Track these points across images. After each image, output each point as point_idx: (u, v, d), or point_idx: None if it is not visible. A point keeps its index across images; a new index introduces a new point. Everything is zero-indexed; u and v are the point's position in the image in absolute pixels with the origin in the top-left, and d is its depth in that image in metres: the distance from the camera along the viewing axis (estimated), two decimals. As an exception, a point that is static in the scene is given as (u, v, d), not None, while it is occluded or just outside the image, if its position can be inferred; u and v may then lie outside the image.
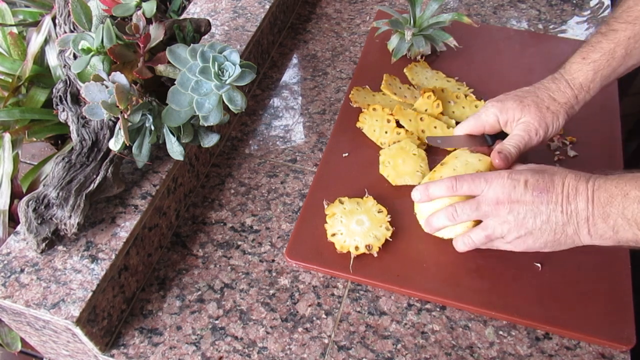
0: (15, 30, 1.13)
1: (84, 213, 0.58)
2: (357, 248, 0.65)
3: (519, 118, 0.66)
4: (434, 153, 0.75)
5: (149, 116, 0.60)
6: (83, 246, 0.59)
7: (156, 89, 0.65)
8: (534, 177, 0.56)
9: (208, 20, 0.71)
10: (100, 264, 0.58)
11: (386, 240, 0.66)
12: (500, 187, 0.57)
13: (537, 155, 0.77)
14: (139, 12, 0.62)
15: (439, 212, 0.62)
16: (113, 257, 0.59)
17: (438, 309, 0.64)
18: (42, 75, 1.10)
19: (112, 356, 0.61)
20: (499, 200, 0.57)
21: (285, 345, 0.61)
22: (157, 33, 0.62)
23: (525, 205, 0.56)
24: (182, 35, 0.68)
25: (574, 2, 1.05)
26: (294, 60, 0.95)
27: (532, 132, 0.66)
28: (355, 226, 0.67)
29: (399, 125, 0.78)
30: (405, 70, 0.87)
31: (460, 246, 0.63)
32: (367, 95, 0.84)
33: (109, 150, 0.62)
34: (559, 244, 0.57)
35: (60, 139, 1.21)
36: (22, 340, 0.93)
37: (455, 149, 0.71)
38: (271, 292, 0.66)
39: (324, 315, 0.63)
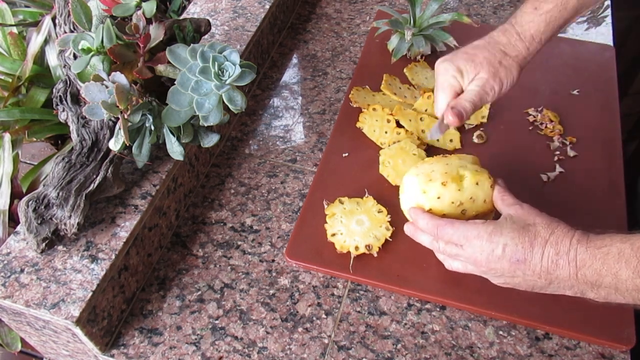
0: (15, 30, 1.13)
1: (84, 213, 0.58)
2: (357, 248, 0.65)
3: (475, 75, 0.65)
4: (433, 153, 0.75)
5: (149, 116, 0.60)
6: (83, 246, 0.59)
7: (156, 89, 0.65)
8: (513, 242, 0.53)
9: (208, 20, 0.71)
10: (100, 264, 0.58)
11: (386, 240, 0.66)
12: (479, 249, 0.54)
13: (537, 154, 0.77)
14: (139, 12, 0.62)
15: (426, 236, 0.60)
16: (113, 257, 0.59)
17: (438, 309, 0.64)
18: (42, 75, 1.10)
19: (112, 356, 0.61)
20: (477, 262, 0.55)
21: (285, 345, 0.61)
22: (157, 33, 0.62)
23: (503, 270, 0.54)
24: (182, 35, 0.68)
25: (574, 2, 1.05)
26: (294, 60, 0.95)
27: (487, 87, 0.64)
28: (355, 226, 0.67)
29: (399, 125, 0.78)
30: (405, 70, 0.87)
31: (440, 258, 0.61)
32: (367, 95, 0.84)
33: (109, 150, 0.62)
34: (540, 292, 0.56)
35: (60, 139, 1.21)
36: (22, 340, 0.93)
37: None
38: (271, 292, 0.66)
39: (324, 315, 0.63)
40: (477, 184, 0.58)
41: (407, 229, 0.62)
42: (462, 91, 0.66)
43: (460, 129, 0.79)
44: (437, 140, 0.77)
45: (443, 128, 0.67)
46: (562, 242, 0.52)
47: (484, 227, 0.55)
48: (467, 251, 0.55)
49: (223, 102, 0.60)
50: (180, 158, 0.63)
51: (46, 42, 1.10)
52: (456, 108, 0.63)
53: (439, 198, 0.58)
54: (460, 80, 0.65)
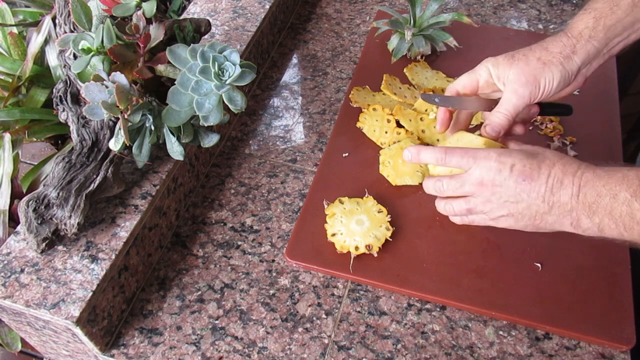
0: (15, 30, 1.13)
1: (84, 213, 0.58)
2: (357, 248, 0.65)
3: (508, 73, 0.62)
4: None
5: (149, 116, 0.60)
6: (83, 246, 0.59)
7: (156, 89, 0.65)
8: (522, 162, 0.55)
9: (208, 20, 0.71)
10: (100, 264, 0.58)
11: (386, 240, 0.66)
12: (487, 169, 0.56)
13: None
14: (139, 12, 0.62)
15: (429, 182, 0.62)
16: (113, 257, 0.59)
17: (438, 309, 0.64)
18: (42, 75, 1.10)
19: (112, 356, 0.61)
20: (483, 182, 0.56)
21: (285, 345, 0.61)
22: (157, 33, 0.62)
23: (508, 190, 0.55)
24: (182, 35, 0.68)
25: (574, 2, 1.05)
26: (294, 60, 0.95)
27: (519, 91, 0.61)
28: (355, 226, 0.67)
29: (399, 125, 0.78)
30: (405, 70, 0.87)
31: (441, 208, 0.63)
32: (367, 95, 0.84)
33: (109, 150, 0.62)
34: (538, 228, 0.57)
35: (60, 139, 1.21)
36: (22, 340, 0.93)
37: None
38: (271, 292, 0.66)
39: (324, 315, 0.63)
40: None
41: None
42: (487, 86, 0.65)
43: (460, 129, 0.79)
44: (437, 140, 0.77)
45: (446, 103, 0.66)
46: (570, 165, 0.54)
47: (493, 150, 0.57)
48: (473, 174, 0.57)
49: (223, 102, 0.60)
50: (180, 158, 0.63)
51: (46, 42, 1.10)
52: (490, 125, 0.63)
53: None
54: (492, 73, 0.63)
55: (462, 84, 0.67)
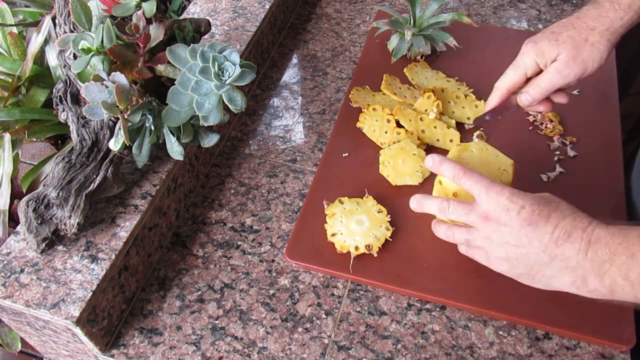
0: (15, 30, 1.13)
1: (84, 213, 0.58)
2: (357, 248, 0.65)
3: (555, 57, 0.61)
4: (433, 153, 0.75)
5: (149, 116, 0.60)
6: (83, 246, 0.59)
7: (156, 89, 0.65)
8: (532, 207, 0.51)
9: (208, 20, 0.71)
10: (100, 264, 0.58)
11: (386, 240, 0.66)
12: (495, 204, 0.53)
13: (537, 154, 0.77)
14: (139, 12, 0.62)
15: (434, 201, 0.59)
16: (113, 257, 0.59)
17: (438, 309, 0.64)
18: (42, 75, 1.10)
19: (112, 356, 0.61)
20: (489, 217, 0.54)
21: (285, 345, 0.61)
22: (157, 33, 0.62)
23: (511, 233, 0.52)
24: (182, 35, 0.68)
25: (574, 2, 1.05)
26: (294, 60, 0.95)
27: (564, 72, 0.60)
28: (355, 226, 0.67)
29: (399, 125, 0.78)
30: (405, 70, 0.87)
31: (440, 233, 0.61)
32: (367, 95, 0.84)
33: (109, 150, 0.62)
34: (533, 281, 0.54)
35: (60, 139, 1.21)
36: (22, 340, 0.93)
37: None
38: (271, 292, 0.66)
39: (324, 315, 0.63)
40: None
41: (413, 199, 0.61)
42: (536, 74, 0.63)
43: (461, 128, 0.79)
44: (437, 140, 0.77)
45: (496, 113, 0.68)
46: (582, 220, 0.50)
47: (509, 188, 0.54)
48: (482, 207, 0.54)
49: (223, 102, 0.60)
50: (180, 158, 0.63)
51: (46, 42, 1.11)
52: (525, 97, 0.62)
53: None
54: (539, 63, 0.62)
55: (510, 81, 0.65)
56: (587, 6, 0.60)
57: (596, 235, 0.48)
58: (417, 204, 0.61)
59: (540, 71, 0.63)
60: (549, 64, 0.62)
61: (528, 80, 0.65)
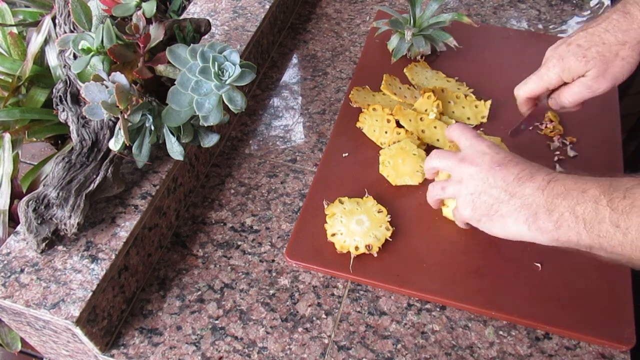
0: (15, 30, 1.13)
1: (84, 213, 0.58)
2: (357, 248, 0.65)
3: (584, 73, 0.61)
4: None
5: (149, 116, 0.60)
6: (83, 246, 0.59)
7: (156, 89, 0.65)
8: (506, 155, 0.55)
9: (208, 20, 0.71)
10: (100, 264, 0.58)
11: (386, 240, 0.66)
12: (473, 149, 0.58)
13: (537, 154, 0.77)
14: (139, 12, 0.62)
15: (432, 153, 0.64)
16: (113, 257, 0.59)
17: (438, 309, 0.64)
18: (42, 75, 1.10)
19: (112, 356, 0.61)
20: (464, 159, 0.58)
21: (285, 345, 0.61)
22: (157, 33, 0.62)
23: (480, 173, 0.56)
24: (182, 35, 0.68)
25: (574, 2, 1.05)
26: (294, 60, 0.95)
27: (593, 87, 0.61)
28: (355, 226, 0.67)
29: (399, 125, 0.78)
30: (405, 70, 0.87)
31: (428, 195, 0.66)
32: (367, 95, 0.84)
33: (109, 150, 0.62)
34: (491, 223, 0.55)
35: (60, 139, 1.21)
36: (22, 340, 0.93)
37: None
38: (271, 292, 0.66)
39: (324, 315, 0.63)
40: None
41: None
42: (557, 87, 0.65)
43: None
44: (437, 140, 0.77)
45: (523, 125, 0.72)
46: (549, 169, 0.53)
47: (491, 141, 0.58)
48: (461, 152, 0.59)
49: (223, 102, 0.60)
50: (180, 158, 0.63)
51: (46, 42, 1.11)
52: (555, 102, 0.65)
53: None
54: (564, 78, 0.63)
55: (530, 91, 0.67)
56: (616, 16, 0.59)
57: (556, 177, 0.51)
58: (425, 163, 0.66)
59: (565, 82, 0.64)
60: (574, 78, 0.62)
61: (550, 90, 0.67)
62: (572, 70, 0.62)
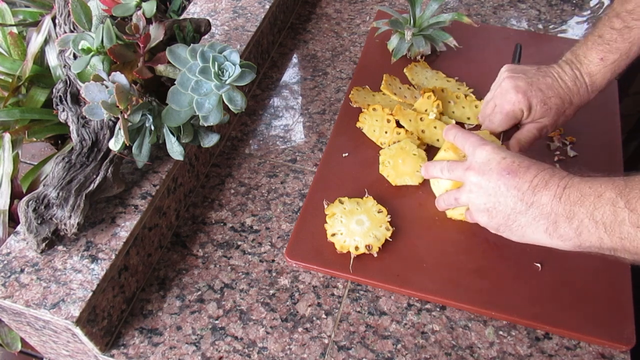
0: (15, 30, 1.13)
1: (84, 213, 0.58)
2: (357, 248, 0.65)
3: (540, 118, 0.68)
4: (433, 153, 0.75)
5: (149, 116, 0.60)
6: (83, 246, 0.59)
7: (156, 89, 0.65)
8: (512, 159, 0.55)
9: (208, 20, 0.71)
10: (100, 264, 0.58)
11: (386, 240, 0.66)
12: (479, 156, 0.57)
13: (537, 154, 0.77)
14: (139, 12, 0.62)
15: (435, 162, 0.65)
16: (113, 257, 0.59)
17: (438, 309, 0.64)
18: (42, 75, 1.10)
19: (112, 356, 0.61)
20: (471, 168, 0.58)
21: (285, 345, 0.61)
22: (157, 33, 0.62)
23: (490, 181, 0.55)
24: (182, 35, 0.68)
25: (574, 2, 1.05)
26: (294, 60, 0.95)
27: (543, 132, 0.69)
28: (355, 226, 0.67)
29: (398, 125, 0.78)
30: (405, 70, 0.87)
31: (441, 203, 0.66)
32: (367, 95, 0.84)
33: (109, 150, 0.62)
34: (511, 232, 0.56)
35: (60, 139, 1.21)
36: (22, 340, 0.93)
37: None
38: (271, 292, 0.66)
39: (324, 315, 0.63)
40: None
41: (422, 169, 0.67)
42: (519, 122, 0.70)
43: (460, 129, 0.79)
44: (437, 140, 0.77)
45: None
46: (560, 171, 0.53)
47: (493, 143, 0.59)
48: (468, 160, 0.59)
49: (223, 102, 0.60)
50: (180, 158, 0.63)
51: (46, 42, 1.10)
52: (516, 144, 0.70)
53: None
54: (525, 115, 0.68)
55: (501, 129, 0.72)
56: (568, 78, 0.67)
57: (570, 182, 0.51)
58: (425, 169, 0.66)
59: (520, 121, 0.70)
60: (534, 120, 0.69)
61: None
62: (532, 112, 0.68)
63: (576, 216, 0.49)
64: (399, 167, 0.73)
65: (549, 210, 0.51)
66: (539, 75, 0.68)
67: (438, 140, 0.77)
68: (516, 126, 0.72)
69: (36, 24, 1.12)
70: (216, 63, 0.58)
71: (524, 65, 0.70)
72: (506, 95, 0.68)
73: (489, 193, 0.55)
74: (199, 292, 0.66)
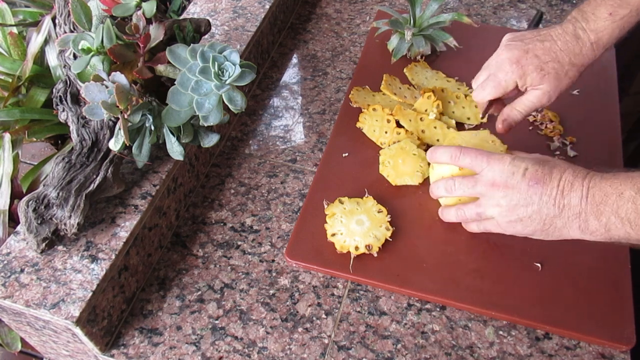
0: (15, 30, 1.13)
1: (84, 213, 0.58)
2: (357, 248, 0.65)
3: (537, 85, 0.66)
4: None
5: (149, 116, 0.60)
6: (83, 246, 0.59)
7: (156, 89, 0.65)
8: (534, 167, 0.56)
9: (208, 20, 0.71)
10: (100, 264, 0.58)
11: (386, 240, 0.66)
12: (500, 171, 0.57)
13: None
14: (139, 12, 0.62)
15: (440, 182, 0.64)
16: (113, 257, 0.59)
17: (438, 309, 0.64)
18: (42, 75, 1.10)
19: (112, 356, 0.61)
20: (495, 183, 0.58)
21: (285, 345, 0.61)
22: (157, 33, 0.62)
23: (519, 193, 0.56)
24: (182, 35, 0.68)
25: (574, 2, 1.05)
26: (294, 60, 0.95)
27: (544, 100, 0.66)
28: (355, 226, 0.67)
29: (398, 125, 0.78)
30: (405, 70, 0.87)
31: (451, 216, 0.65)
32: (367, 95, 0.84)
33: (109, 150, 0.62)
34: (547, 234, 0.58)
35: (60, 139, 1.21)
36: (22, 340, 0.93)
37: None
38: (271, 292, 0.66)
39: (324, 315, 0.63)
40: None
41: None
42: (512, 91, 0.68)
43: (461, 129, 0.79)
44: (437, 140, 0.77)
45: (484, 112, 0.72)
46: (580, 170, 0.55)
47: (507, 154, 0.59)
48: (486, 175, 0.58)
49: (223, 102, 0.60)
50: (180, 158, 0.63)
51: (46, 42, 1.11)
52: (507, 121, 0.68)
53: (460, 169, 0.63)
54: (519, 84, 0.66)
55: (490, 97, 0.69)
56: (569, 37, 0.64)
57: (593, 181, 0.54)
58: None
59: (514, 90, 0.68)
60: (529, 88, 0.67)
61: None
62: (527, 80, 0.65)
63: (603, 214, 0.52)
64: (399, 167, 0.73)
65: (579, 210, 0.54)
66: (536, 41, 0.66)
67: (438, 140, 0.77)
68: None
69: (36, 24, 1.12)
70: (216, 63, 0.58)
71: (526, 32, 0.68)
72: (501, 65, 0.67)
73: (521, 204, 0.56)
74: (199, 292, 0.66)
